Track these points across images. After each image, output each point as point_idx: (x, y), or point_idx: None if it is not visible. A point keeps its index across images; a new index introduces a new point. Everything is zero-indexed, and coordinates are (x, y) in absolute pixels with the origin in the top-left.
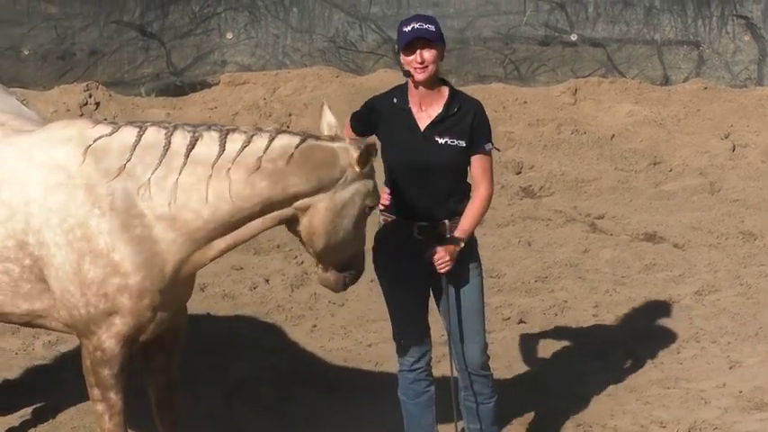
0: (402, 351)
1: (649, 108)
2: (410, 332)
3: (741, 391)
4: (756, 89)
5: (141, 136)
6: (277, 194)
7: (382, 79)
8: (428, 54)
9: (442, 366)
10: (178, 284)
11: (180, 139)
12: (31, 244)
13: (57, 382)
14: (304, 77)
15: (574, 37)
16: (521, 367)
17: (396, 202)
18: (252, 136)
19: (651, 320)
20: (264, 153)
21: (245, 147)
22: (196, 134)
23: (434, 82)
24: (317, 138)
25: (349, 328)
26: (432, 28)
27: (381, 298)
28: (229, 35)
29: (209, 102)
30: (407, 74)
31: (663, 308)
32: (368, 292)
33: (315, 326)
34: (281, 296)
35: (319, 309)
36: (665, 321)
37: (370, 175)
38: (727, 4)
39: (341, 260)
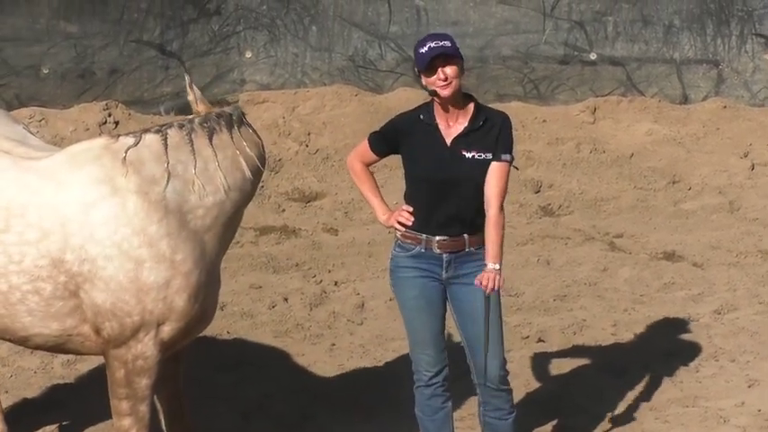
0: (419, 366)
1: (668, 127)
2: (427, 347)
3: (760, 410)
4: None
5: (167, 139)
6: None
7: (401, 98)
8: (450, 70)
9: (460, 383)
10: (217, 278)
11: (199, 131)
12: (68, 261)
13: (75, 401)
14: (323, 96)
15: (593, 56)
16: (539, 386)
17: (416, 218)
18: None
19: (670, 339)
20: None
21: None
22: (210, 123)
23: (460, 97)
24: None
25: (368, 346)
26: (448, 44)
27: (400, 317)
28: (249, 54)
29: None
30: (433, 93)
31: (682, 326)
32: (386, 311)
33: (333, 344)
34: (299, 315)
35: (338, 327)
36: (683, 340)
37: None
38: (746, 22)
39: None
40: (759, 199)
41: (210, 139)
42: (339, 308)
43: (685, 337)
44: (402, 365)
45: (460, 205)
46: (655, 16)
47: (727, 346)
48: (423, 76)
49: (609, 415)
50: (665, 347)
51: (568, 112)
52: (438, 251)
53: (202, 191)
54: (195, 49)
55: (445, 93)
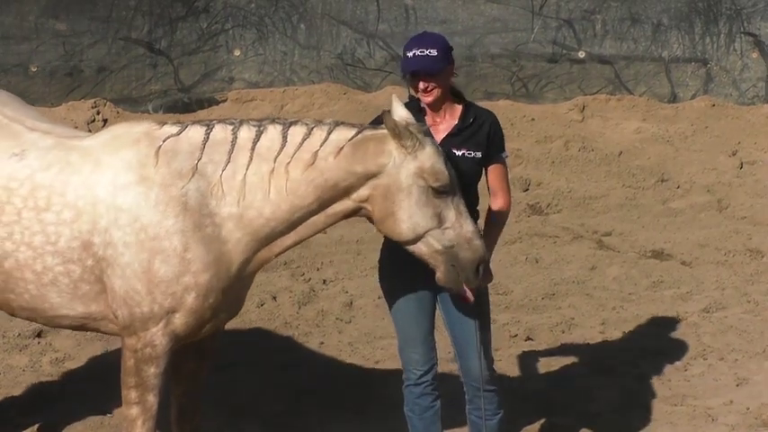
0: (408, 365)
1: (657, 125)
2: (416, 345)
3: (748, 409)
4: (764, 106)
5: (209, 134)
6: (328, 190)
7: (390, 96)
8: (430, 84)
9: (449, 382)
10: (240, 285)
11: (245, 134)
12: (96, 244)
13: (64, 399)
14: (312, 94)
15: (581, 54)
16: (527, 384)
17: None
18: (312, 128)
19: (658, 337)
20: (321, 147)
21: (305, 140)
22: (261, 127)
23: (446, 98)
24: (374, 128)
25: (356, 345)
26: (433, 53)
27: (388, 315)
28: (237, 52)
29: (217, 118)
30: (411, 98)
31: (670, 325)
32: (375, 309)
33: (322, 343)
34: (288, 313)
35: (326, 326)
36: (672, 338)
37: (423, 153)
38: (734, 21)
39: (427, 244)
40: (747, 197)
41: (254, 143)
42: (327, 306)
43: (674, 335)
44: (391, 364)
45: None
46: (643, 15)
47: (715, 345)
48: (408, 77)
49: (597, 413)
50: (654, 346)
51: (557, 110)
52: None
53: (221, 198)
54: (183, 48)
55: (426, 101)
